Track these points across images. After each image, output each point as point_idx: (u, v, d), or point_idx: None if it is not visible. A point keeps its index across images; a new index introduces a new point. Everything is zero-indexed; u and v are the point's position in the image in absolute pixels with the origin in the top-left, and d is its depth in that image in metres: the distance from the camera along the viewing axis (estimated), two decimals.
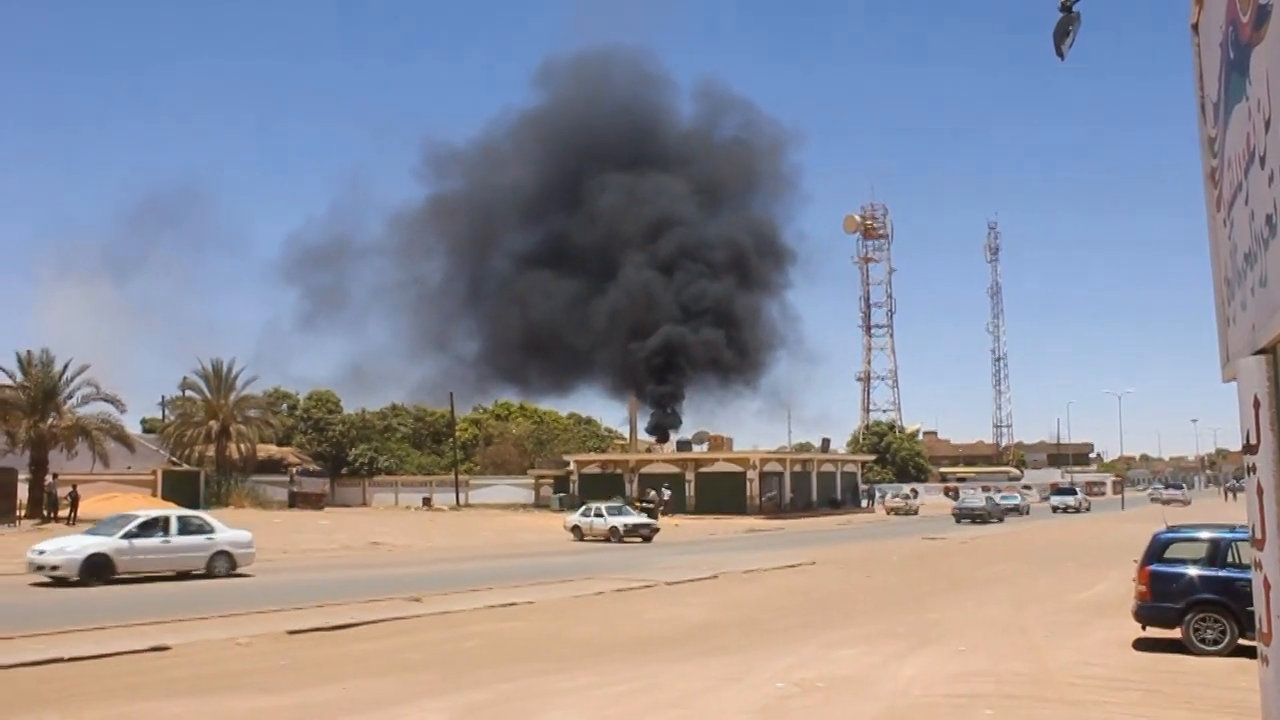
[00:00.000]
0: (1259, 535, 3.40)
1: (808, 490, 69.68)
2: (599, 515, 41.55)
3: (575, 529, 41.62)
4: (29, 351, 45.03)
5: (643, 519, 42.53)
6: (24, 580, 22.38)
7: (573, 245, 71.43)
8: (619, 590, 22.43)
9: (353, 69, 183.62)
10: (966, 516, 56.71)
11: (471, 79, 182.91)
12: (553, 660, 13.75)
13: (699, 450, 69.74)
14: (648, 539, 40.02)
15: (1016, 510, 66.20)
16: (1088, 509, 71.97)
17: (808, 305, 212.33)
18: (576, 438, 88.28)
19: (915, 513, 68.36)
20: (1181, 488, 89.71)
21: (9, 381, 44.29)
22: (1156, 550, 14.48)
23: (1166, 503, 68.25)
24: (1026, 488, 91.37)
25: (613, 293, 68.85)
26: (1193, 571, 13.94)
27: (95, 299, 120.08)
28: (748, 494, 63.74)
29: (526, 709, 10.74)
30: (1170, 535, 14.99)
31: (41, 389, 44.05)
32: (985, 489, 79.80)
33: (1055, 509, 71.33)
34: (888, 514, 67.39)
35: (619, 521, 40.79)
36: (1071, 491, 78.97)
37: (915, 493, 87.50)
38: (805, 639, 15.55)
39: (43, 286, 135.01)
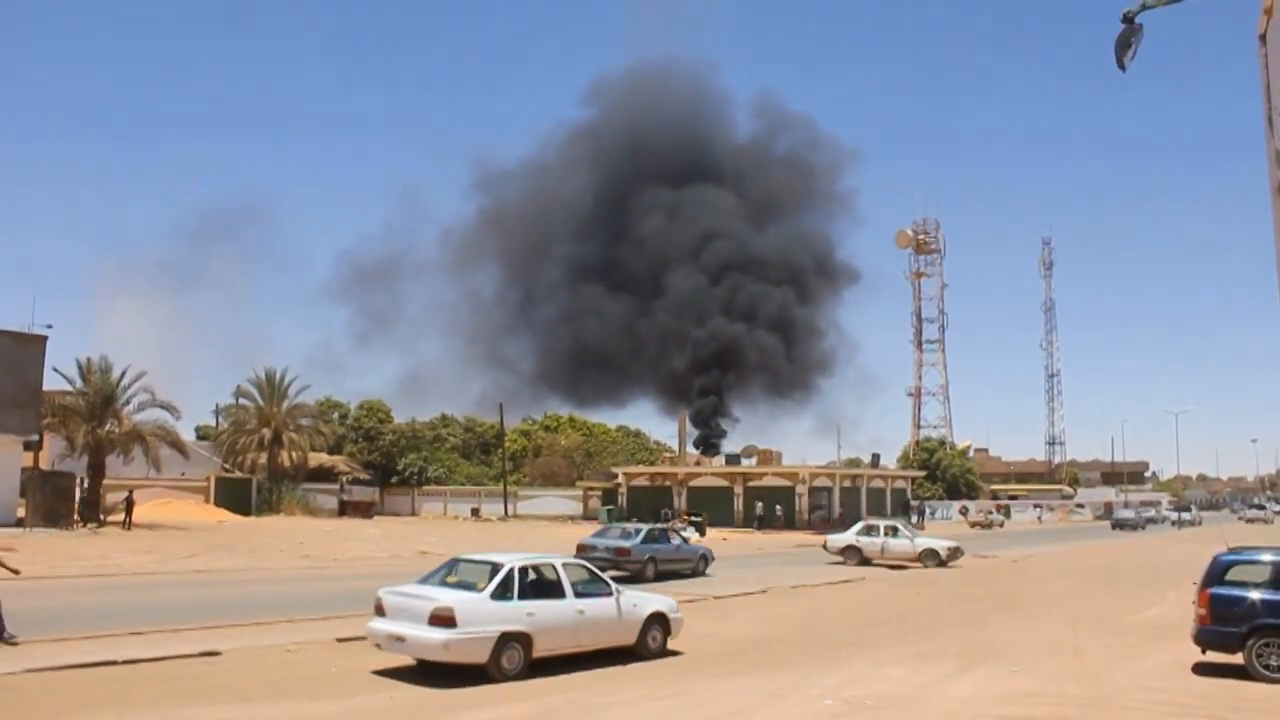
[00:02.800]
0: None
1: (857, 506, 69.10)
2: (893, 534, 35.77)
3: (851, 550, 35.44)
4: (89, 359, 45.81)
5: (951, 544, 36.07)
6: (75, 583, 22.64)
7: (622, 266, 71.47)
8: None
9: (405, 85, 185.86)
10: (1119, 525, 75.82)
11: (524, 96, 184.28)
12: (599, 673, 13.67)
13: (747, 464, 69.46)
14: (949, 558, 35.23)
15: (1152, 521, 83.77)
16: (1200, 523, 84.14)
17: (860, 322, 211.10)
18: (625, 450, 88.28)
19: (1000, 526, 77.65)
20: (1264, 508, 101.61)
21: (69, 388, 45.05)
22: (1217, 573, 14.11)
23: (1250, 521, 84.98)
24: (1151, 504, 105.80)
25: (661, 306, 68.63)
26: (1255, 595, 13.56)
27: (152, 309, 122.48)
28: (796, 508, 63.38)
29: None
30: (1231, 558, 14.61)
31: (100, 395, 44.75)
32: (1080, 505, 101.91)
33: (1173, 523, 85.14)
34: (971, 527, 72.50)
35: (939, 545, 35.39)
36: (1187, 508, 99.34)
37: (1005, 509, 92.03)
38: (854, 656, 15.35)
39: (102, 296, 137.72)
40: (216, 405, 78.47)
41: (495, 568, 13.49)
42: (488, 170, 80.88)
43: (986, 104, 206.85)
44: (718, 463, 69.70)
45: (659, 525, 35.86)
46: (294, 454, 66.34)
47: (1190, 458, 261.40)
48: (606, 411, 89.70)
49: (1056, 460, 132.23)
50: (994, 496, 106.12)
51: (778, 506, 62.90)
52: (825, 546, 36.84)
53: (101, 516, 43.51)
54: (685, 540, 33.47)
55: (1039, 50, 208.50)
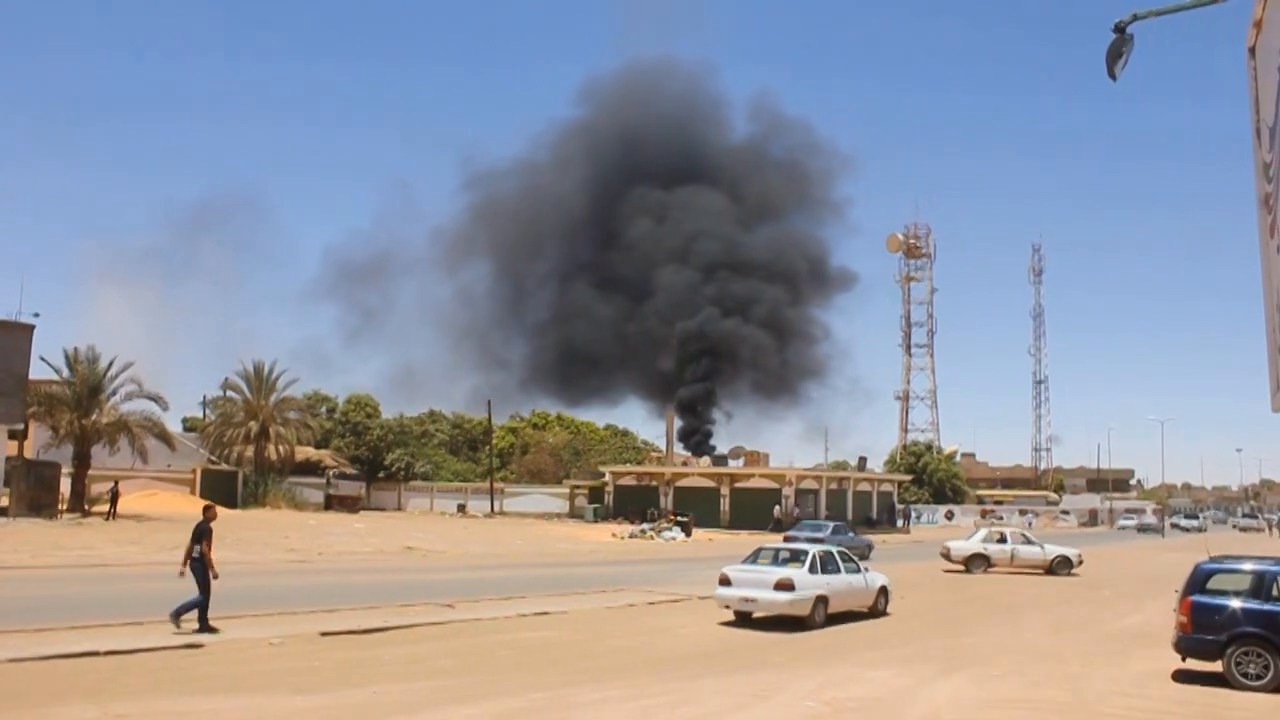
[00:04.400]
0: None
1: (843, 509, 69.20)
2: (1024, 541, 34.93)
3: (978, 559, 34.11)
4: (75, 349, 45.68)
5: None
6: (59, 573, 22.60)
7: (613, 266, 71.41)
8: (651, 603, 22.38)
9: (397, 79, 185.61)
10: (1143, 529, 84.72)
11: (517, 94, 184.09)
12: (583, 671, 13.71)
13: (735, 465, 69.55)
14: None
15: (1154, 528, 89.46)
16: (1205, 529, 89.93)
17: (848, 326, 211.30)
18: (612, 449, 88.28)
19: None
20: (1257, 517, 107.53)
21: (55, 377, 44.89)
22: (1198, 581, 14.20)
23: (1244, 530, 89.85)
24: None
25: (652, 308, 68.55)
26: (1236, 604, 13.65)
27: (139, 298, 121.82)
28: (782, 510, 63.45)
29: (556, 719, 10.72)
30: (1213, 566, 14.70)
31: (87, 385, 44.63)
32: (1065, 512, 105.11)
33: (1184, 529, 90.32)
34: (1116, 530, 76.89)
35: (1069, 552, 34.42)
36: (1195, 516, 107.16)
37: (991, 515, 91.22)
38: (837, 659, 15.41)
39: (88, 283, 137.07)
40: (204, 397, 78.39)
41: (805, 553, 19.97)
42: (480, 168, 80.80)
43: (979, 108, 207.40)
44: (704, 463, 69.77)
45: (842, 524, 42.26)
46: (281, 447, 66.18)
47: (1175, 466, 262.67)
48: (597, 410, 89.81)
49: (1043, 466, 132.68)
50: (980, 501, 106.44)
51: (796, 509, 63.02)
52: (947, 555, 35.03)
53: (86, 507, 43.41)
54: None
55: (1034, 54, 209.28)
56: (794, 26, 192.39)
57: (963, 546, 35.01)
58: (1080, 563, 34.54)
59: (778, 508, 61.86)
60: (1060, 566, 34.06)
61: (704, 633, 18.26)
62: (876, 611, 21.14)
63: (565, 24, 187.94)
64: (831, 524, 41.02)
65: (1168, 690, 13.47)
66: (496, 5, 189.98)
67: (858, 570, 20.92)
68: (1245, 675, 13.32)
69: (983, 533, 36.29)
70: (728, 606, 19.37)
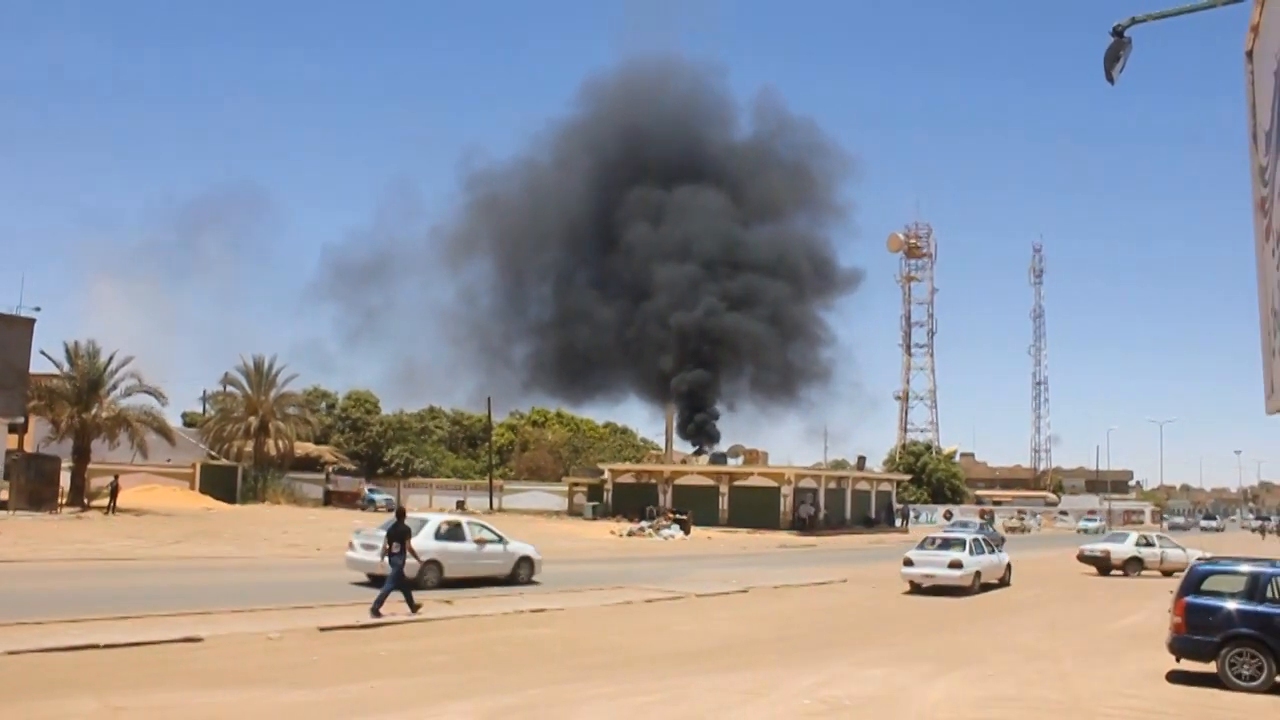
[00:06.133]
0: None
1: (842, 508, 69.26)
2: (1169, 545, 36.11)
3: (1134, 562, 34.97)
4: (76, 342, 45.68)
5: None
6: (59, 567, 22.66)
7: (614, 265, 71.27)
8: (649, 601, 22.43)
9: (397, 77, 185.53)
10: (1176, 527, 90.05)
11: (519, 92, 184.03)
12: (580, 668, 13.77)
13: (734, 464, 69.55)
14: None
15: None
16: (1223, 529, 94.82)
17: (849, 324, 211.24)
18: (612, 447, 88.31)
19: (1028, 531, 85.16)
20: (1269, 519, 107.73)
21: (56, 371, 44.92)
22: (1193, 582, 14.26)
23: (1256, 530, 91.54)
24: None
25: (652, 307, 68.35)
26: (1230, 605, 13.71)
27: (139, 292, 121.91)
28: (781, 509, 63.51)
29: (552, 715, 10.78)
30: (1208, 568, 14.76)
31: (87, 379, 44.63)
32: (1063, 512, 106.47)
33: (1204, 529, 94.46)
34: (1007, 532, 72.20)
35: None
36: (1212, 517, 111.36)
37: (990, 515, 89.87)
38: (833, 657, 15.47)
39: (87, 277, 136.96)
40: (204, 392, 78.28)
41: (964, 541, 28.02)
42: (480, 166, 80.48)
43: (980, 107, 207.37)
44: (703, 462, 69.76)
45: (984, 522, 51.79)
46: (280, 443, 66.18)
47: (1173, 468, 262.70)
48: (600, 407, 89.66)
49: (1042, 467, 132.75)
50: (978, 502, 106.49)
51: (814, 507, 63.40)
52: (1094, 556, 36.17)
53: (86, 501, 43.41)
54: None
55: (1035, 52, 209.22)
56: (794, 21, 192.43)
57: (1121, 549, 35.88)
58: None
59: (804, 507, 63.16)
60: None
61: (702, 630, 18.31)
62: (1005, 581, 29.10)
63: (568, 21, 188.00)
64: (978, 522, 57.30)
65: (1161, 690, 13.53)
66: (498, 2, 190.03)
67: (995, 552, 29.52)
68: (1239, 676, 13.37)
69: (1134, 536, 37.23)
70: (911, 581, 26.70)
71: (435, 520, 23.35)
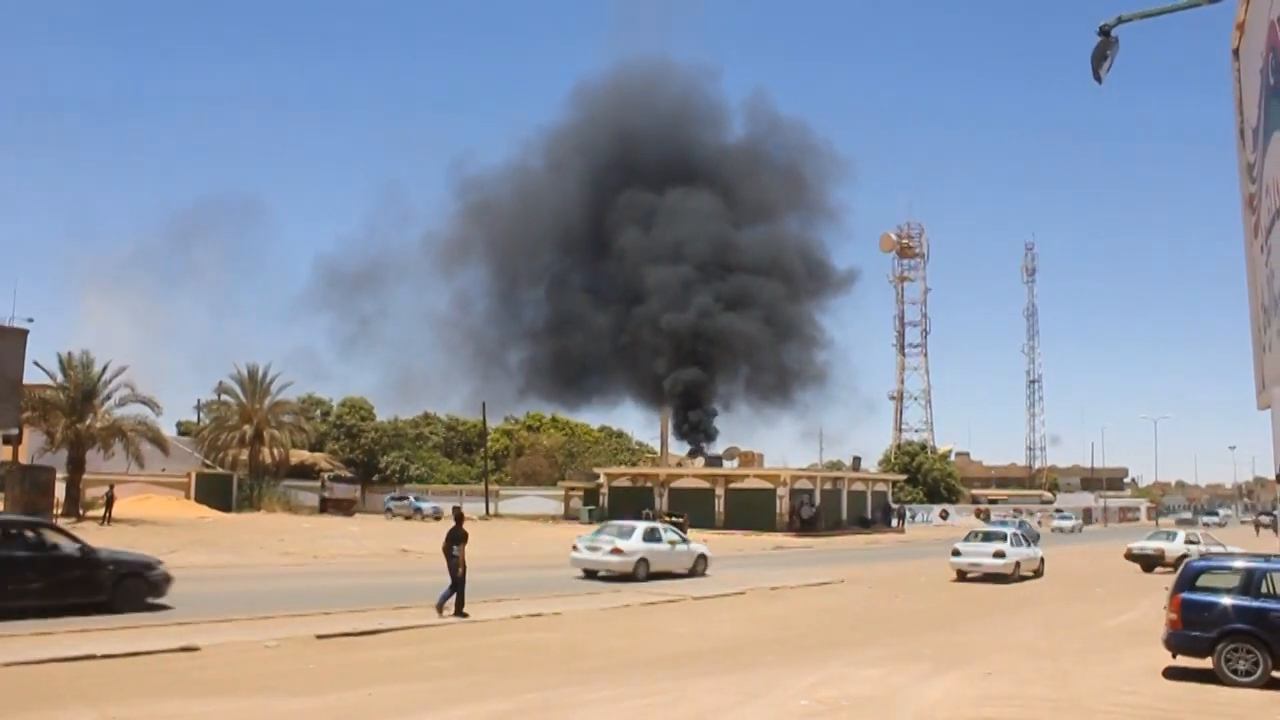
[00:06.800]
0: None
1: (838, 508, 69.30)
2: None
3: (1165, 558, 35.48)
4: (69, 353, 45.64)
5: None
6: None
7: (606, 270, 71.28)
8: (646, 604, 22.44)
9: (388, 80, 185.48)
10: (1185, 523, 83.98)
11: (510, 97, 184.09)
12: (578, 672, 13.78)
13: (729, 466, 69.56)
14: None
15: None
16: (1224, 524, 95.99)
17: (841, 323, 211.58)
18: (607, 451, 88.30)
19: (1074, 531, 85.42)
20: (1273, 514, 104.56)
21: (50, 381, 44.85)
22: (1189, 578, 14.30)
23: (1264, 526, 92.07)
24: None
25: (645, 311, 68.30)
26: (1226, 601, 13.75)
27: (132, 301, 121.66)
28: (777, 511, 63.56)
29: (552, 719, 10.78)
30: (1203, 564, 14.81)
31: (81, 390, 44.58)
32: (1059, 510, 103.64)
33: (1205, 524, 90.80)
34: (1050, 531, 74.80)
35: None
36: (1214, 513, 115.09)
37: (986, 514, 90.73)
38: (831, 657, 15.49)
39: (80, 286, 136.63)
40: (198, 401, 78.28)
41: (1005, 534, 32.04)
42: (473, 171, 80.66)
43: (971, 105, 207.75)
44: (699, 464, 69.79)
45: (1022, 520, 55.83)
46: (275, 450, 66.16)
47: (1168, 464, 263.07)
48: (595, 411, 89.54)
49: (1037, 465, 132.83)
50: (974, 501, 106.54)
51: (814, 508, 63.55)
52: (1148, 555, 36.78)
53: (81, 511, 43.36)
54: None
55: (1025, 51, 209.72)
56: (784, 21, 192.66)
57: (1174, 548, 36.46)
58: None
59: (804, 508, 63.49)
60: None
61: (700, 632, 18.33)
62: (1040, 573, 32.26)
63: (559, 26, 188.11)
64: (1018, 519, 62.21)
65: (1158, 687, 13.57)
66: (491, 3, 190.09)
67: (1031, 545, 33.51)
68: (1235, 672, 13.42)
69: (1182, 535, 38.25)
70: (959, 569, 30.46)
71: (642, 527, 28.48)
